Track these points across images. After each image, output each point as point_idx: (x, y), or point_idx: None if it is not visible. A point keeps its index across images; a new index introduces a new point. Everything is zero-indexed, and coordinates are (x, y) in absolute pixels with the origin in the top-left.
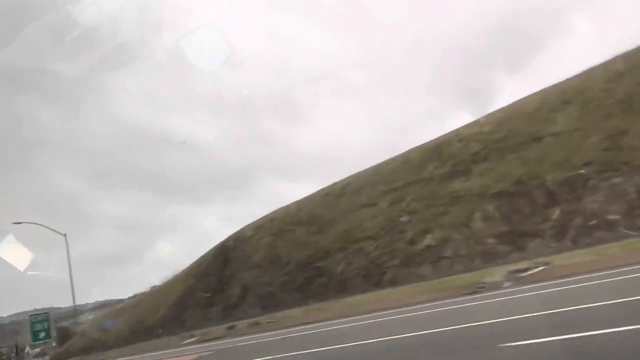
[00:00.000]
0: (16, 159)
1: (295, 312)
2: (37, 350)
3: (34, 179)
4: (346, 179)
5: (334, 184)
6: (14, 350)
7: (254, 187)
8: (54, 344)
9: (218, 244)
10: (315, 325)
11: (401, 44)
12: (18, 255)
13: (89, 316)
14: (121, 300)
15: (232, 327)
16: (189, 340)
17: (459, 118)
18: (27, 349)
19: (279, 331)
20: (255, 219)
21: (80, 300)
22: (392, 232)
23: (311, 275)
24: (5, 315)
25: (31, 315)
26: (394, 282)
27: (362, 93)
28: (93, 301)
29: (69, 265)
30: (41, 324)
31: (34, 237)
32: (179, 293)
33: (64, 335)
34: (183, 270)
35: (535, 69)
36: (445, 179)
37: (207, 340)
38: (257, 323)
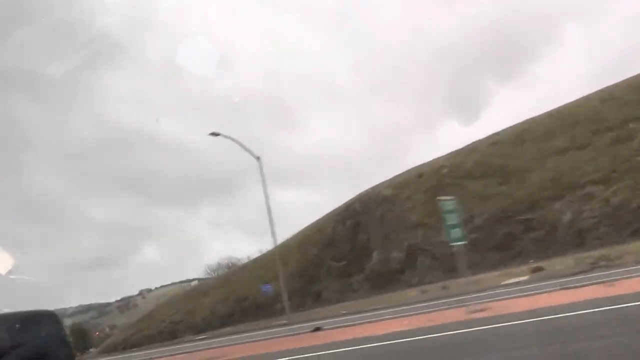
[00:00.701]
0: (0, 160)
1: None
2: None
3: (18, 181)
4: (513, 127)
5: (498, 133)
6: None
7: (243, 191)
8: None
9: (341, 208)
10: None
11: (394, 45)
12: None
13: (69, 321)
14: (108, 304)
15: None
16: (511, 280)
17: (448, 125)
18: None
19: None
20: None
21: (60, 305)
22: (633, 172)
23: (515, 230)
24: None
25: (442, 200)
26: None
27: (353, 97)
28: (77, 305)
29: (265, 191)
30: (451, 215)
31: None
32: (296, 264)
33: (80, 336)
34: (288, 240)
35: (526, 78)
36: None
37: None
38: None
